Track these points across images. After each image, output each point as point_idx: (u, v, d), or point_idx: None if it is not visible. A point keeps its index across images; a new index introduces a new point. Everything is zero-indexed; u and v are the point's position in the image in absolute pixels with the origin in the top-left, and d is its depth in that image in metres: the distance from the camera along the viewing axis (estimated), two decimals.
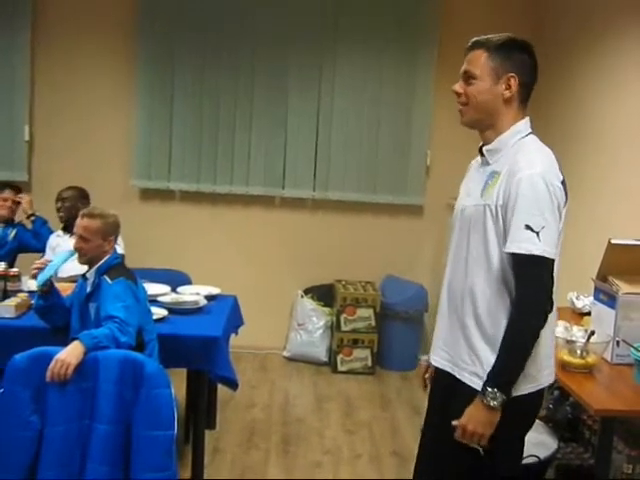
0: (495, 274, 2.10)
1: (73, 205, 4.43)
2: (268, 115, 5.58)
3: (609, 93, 4.26)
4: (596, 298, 3.13)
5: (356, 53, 5.56)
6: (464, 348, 2.17)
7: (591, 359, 2.80)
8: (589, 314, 3.31)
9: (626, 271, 3.01)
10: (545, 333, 2.09)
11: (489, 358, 2.08)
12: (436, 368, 2.33)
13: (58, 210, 4.55)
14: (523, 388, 2.10)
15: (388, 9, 5.50)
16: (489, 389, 2.02)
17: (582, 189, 4.51)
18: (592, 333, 2.85)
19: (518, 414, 2.11)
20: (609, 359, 2.93)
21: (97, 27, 5.53)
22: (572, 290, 3.71)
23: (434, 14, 5.50)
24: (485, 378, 2.06)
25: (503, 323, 2.06)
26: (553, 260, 2.04)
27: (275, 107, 5.58)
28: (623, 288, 2.95)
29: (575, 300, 3.64)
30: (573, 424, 3.57)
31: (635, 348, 2.71)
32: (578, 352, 2.80)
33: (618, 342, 2.88)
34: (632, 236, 3.14)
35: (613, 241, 3.02)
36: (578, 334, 2.95)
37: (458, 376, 2.19)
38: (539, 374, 2.15)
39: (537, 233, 2.00)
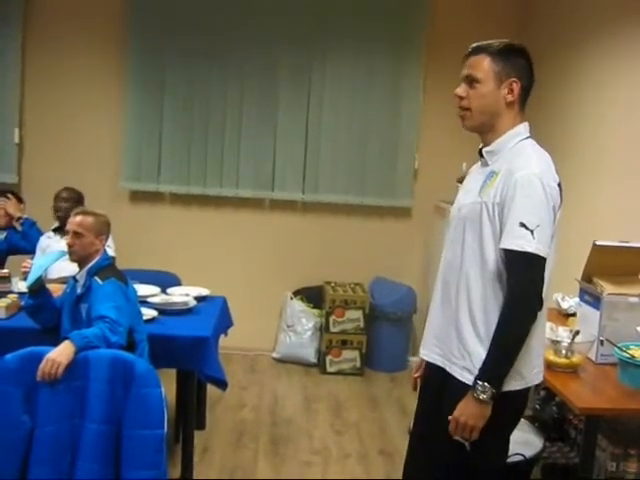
0: (490, 271, 2.13)
1: (73, 206, 4.40)
2: (258, 118, 5.61)
3: (592, 97, 4.30)
4: (581, 299, 3.17)
5: (345, 57, 5.60)
6: (455, 343, 2.20)
7: (576, 359, 2.84)
8: (575, 315, 3.35)
9: (610, 272, 3.06)
10: (536, 333, 2.13)
11: (480, 353, 2.11)
12: (428, 365, 2.36)
13: (58, 210, 4.50)
14: (514, 384, 2.14)
15: (376, 14, 5.54)
16: (479, 383, 2.06)
17: (567, 191, 4.54)
18: (577, 333, 2.89)
19: (506, 410, 2.15)
20: (594, 359, 2.97)
21: (87, 30, 5.55)
22: (558, 291, 3.76)
23: (421, 19, 5.54)
24: (477, 373, 2.09)
25: (495, 320, 2.09)
26: (545, 259, 2.07)
27: (265, 110, 5.60)
28: (607, 289, 3.00)
29: (561, 301, 3.68)
30: (559, 423, 3.60)
31: (619, 348, 2.75)
32: (563, 352, 2.84)
33: (602, 342, 2.93)
34: (616, 238, 3.18)
35: (597, 243, 3.07)
36: (563, 334, 2.99)
37: (449, 370, 2.22)
38: (530, 373, 2.19)
39: (532, 231, 2.04)
